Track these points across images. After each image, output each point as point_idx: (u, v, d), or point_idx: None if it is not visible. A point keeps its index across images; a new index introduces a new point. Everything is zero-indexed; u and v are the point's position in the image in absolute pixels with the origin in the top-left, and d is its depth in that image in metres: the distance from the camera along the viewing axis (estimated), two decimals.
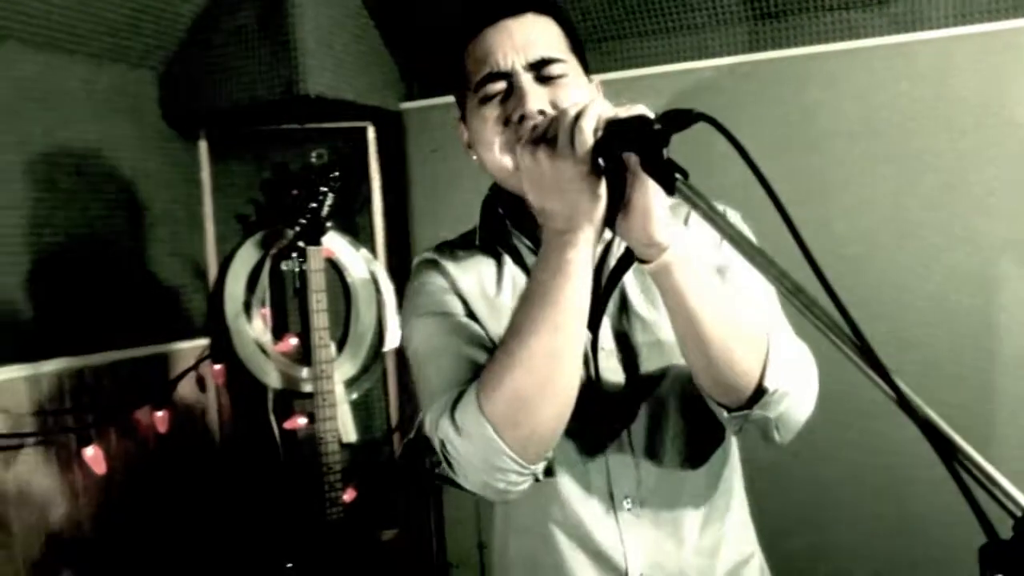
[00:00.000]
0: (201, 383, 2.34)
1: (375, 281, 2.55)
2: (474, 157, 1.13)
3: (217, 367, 2.33)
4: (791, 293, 0.84)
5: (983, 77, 1.97)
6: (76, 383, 2.01)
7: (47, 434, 1.90)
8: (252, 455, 2.41)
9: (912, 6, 2.02)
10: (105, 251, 2.12)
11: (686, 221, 1.19)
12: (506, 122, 1.05)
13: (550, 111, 1.02)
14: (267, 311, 2.44)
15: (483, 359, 1.04)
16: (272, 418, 2.38)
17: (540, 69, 1.05)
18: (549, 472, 1.10)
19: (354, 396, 2.51)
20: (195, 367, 2.28)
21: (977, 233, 1.98)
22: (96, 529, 2.02)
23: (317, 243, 2.28)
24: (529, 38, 1.06)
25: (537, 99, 1.03)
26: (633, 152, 0.97)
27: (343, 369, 2.47)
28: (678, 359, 1.13)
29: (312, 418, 2.25)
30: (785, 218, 0.85)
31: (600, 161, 0.95)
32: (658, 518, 1.14)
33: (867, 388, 0.81)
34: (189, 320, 2.36)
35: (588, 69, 1.13)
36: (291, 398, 2.45)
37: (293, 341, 2.45)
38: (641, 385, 1.14)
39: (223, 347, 2.37)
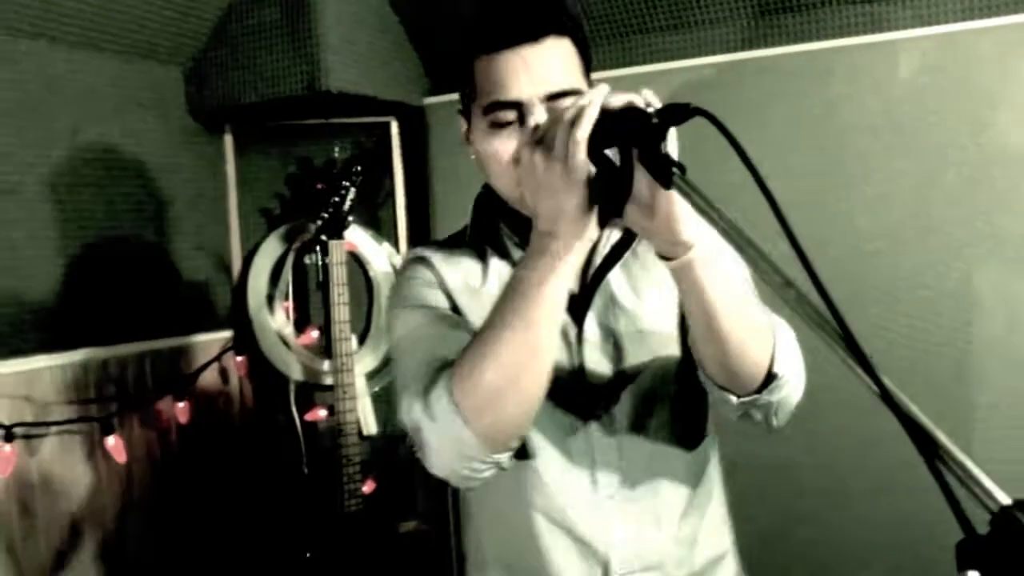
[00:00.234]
0: (224, 375, 2.38)
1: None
2: (472, 155, 1.16)
3: (240, 359, 2.37)
4: (782, 287, 0.85)
5: (1007, 70, 1.94)
6: (100, 373, 2.05)
7: (71, 423, 1.95)
8: (273, 446, 2.44)
9: None
10: (131, 244, 2.17)
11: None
12: (518, 160, 1.03)
13: None
14: (290, 304, 2.47)
15: (460, 351, 1.04)
16: (293, 410, 2.41)
17: (556, 102, 1.05)
18: (523, 455, 1.13)
19: (375, 389, 2.53)
20: (218, 358, 2.32)
21: (1000, 228, 1.95)
22: (118, 517, 2.06)
23: (339, 237, 2.31)
24: (546, 69, 1.06)
25: None
26: (631, 146, 0.98)
27: (364, 362, 2.49)
28: (662, 350, 1.17)
29: (333, 410, 2.28)
30: (777, 214, 0.86)
31: (591, 165, 0.95)
32: (639, 506, 1.16)
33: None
34: (213, 312, 2.40)
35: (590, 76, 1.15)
36: (312, 390, 2.48)
37: (315, 334, 2.48)
38: (625, 375, 1.16)
39: (246, 339, 2.41)
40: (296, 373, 2.44)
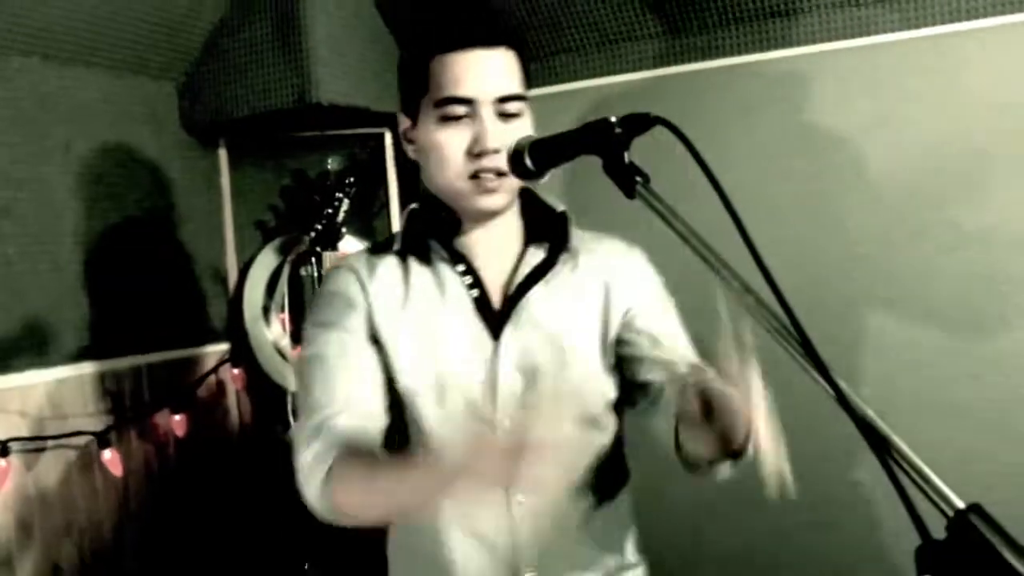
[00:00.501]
0: (221, 387, 2.40)
1: None
2: (411, 152, 1.27)
3: (236, 371, 2.38)
4: (740, 293, 0.85)
5: (994, 72, 1.94)
6: (97, 387, 2.07)
7: (67, 437, 1.96)
8: (271, 457, 2.45)
9: (922, 2, 1.99)
10: (126, 258, 2.18)
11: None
12: (467, 152, 1.18)
13: (503, 150, 1.15)
14: (286, 316, 2.48)
15: (358, 390, 1.20)
16: (291, 421, 2.42)
17: (503, 104, 1.18)
18: None
19: None
20: (215, 371, 2.34)
21: (990, 231, 1.95)
22: (115, 530, 2.08)
23: (334, 248, 2.32)
24: (498, 73, 1.19)
25: (496, 137, 1.16)
26: (596, 156, 0.99)
27: None
28: (578, 366, 1.26)
29: None
30: (735, 219, 0.86)
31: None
32: (545, 512, 1.22)
33: None
34: (209, 325, 2.41)
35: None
36: None
37: None
38: (535, 390, 1.23)
39: (242, 351, 2.42)
40: (293, 384, 2.45)
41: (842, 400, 0.75)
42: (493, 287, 1.28)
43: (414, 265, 1.28)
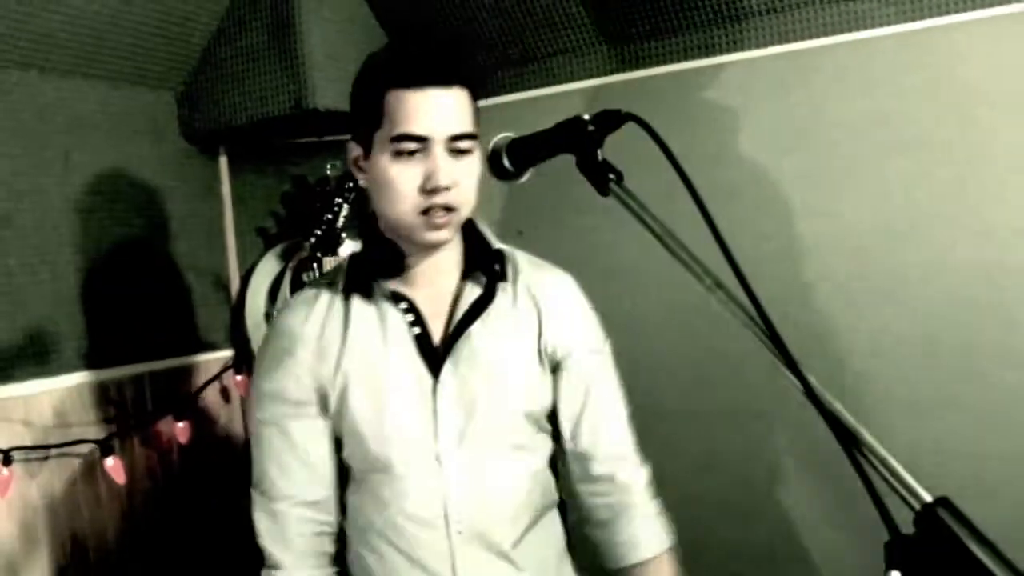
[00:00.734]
0: (224, 394, 2.41)
1: None
2: (361, 180, 1.33)
3: (239, 378, 2.39)
4: (711, 289, 0.85)
5: (993, 63, 1.92)
6: (99, 396, 2.08)
7: (70, 445, 1.98)
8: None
9: None
10: (127, 267, 2.20)
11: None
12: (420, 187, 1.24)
13: (454, 187, 1.23)
14: None
15: (308, 478, 1.35)
16: None
17: (455, 142, 1.24)
18: (384, 496, 1.33)
19: None
20: (218, 378, 2.35)
21: (991, 224, 1.93)
22: (119, 538, 2.09)
23: (334, 253, 2.33)
24: (452, 112, 1.24)
25: (447, 175, 1.22)
26: (570, 154, 1.00)
27: None
28: (514, 396, 1.35)
29: None
30: (706, 218, 0.86)
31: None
32: (484, 539, 1.32)
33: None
34: (212, 332, 2.42)
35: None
36: None
37: None
38: (474, 423, 1.32)
39: (245, 358, 2.43)
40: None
41: (810, 394, 0.74)
42: (434, 323, 1.35)
43: (356, 303, 1.35)
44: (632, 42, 2.27)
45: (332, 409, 1.34)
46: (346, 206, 2.34)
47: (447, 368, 1.32)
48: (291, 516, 1.35)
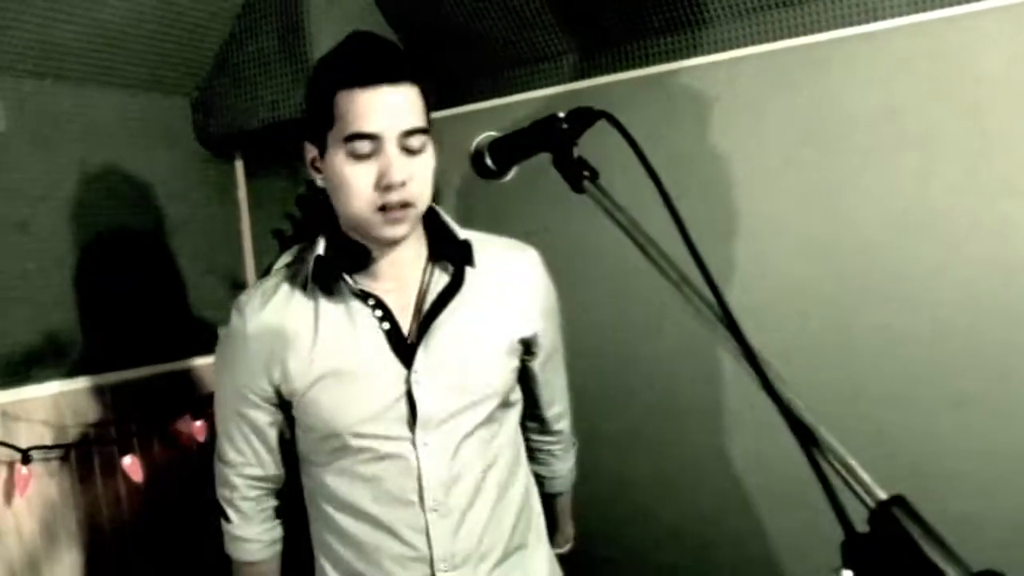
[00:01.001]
0: None
1: None
2: (319, 180, 1.35)
3: None
4: (677, 284, 0.84)
5: (1008, 53, 1.88)
6: (118, 396, 2.12)
7: (89, 445, 2.02)
8: (290, 460, 2.48)
9: None
10: (145, 270, 2.24)
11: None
12: (375, 185, 1.27)
13: (408, 182, 1.27)
14: None
15: (254, 454, 1.51)
16: None
17: (407, 138, 1.27)
18: (362, 473, 1.41)
19: None
20: None
21: (1005, 217, 1.89)
22: (139, 534, 2.13)
23: None
24: (403, 109, 1.26)
25: (401, 171, 1.25)
26: (544, 152, 1.00)
27: None
28: (487, 380, 1.42)
29: None
30: (673, 213, 0.85)
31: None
32: (456, 514, 1.40)
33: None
34: None
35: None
36: None
37: None
38: (448, 406, 1.38)
39: None
40: None
41: (769, 389, 0.73)
42: (402, 315, 1.40)
43: (324, 301, 1.38)
44: (644, 38, 2.26)
45: (298, 404, 1.40)
46: None
47: (419, 358, 1.37)
48: (238, 485, 1.54)
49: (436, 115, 2.49)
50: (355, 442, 1.38)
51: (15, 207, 1.97)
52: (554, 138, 0.97)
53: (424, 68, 1.32)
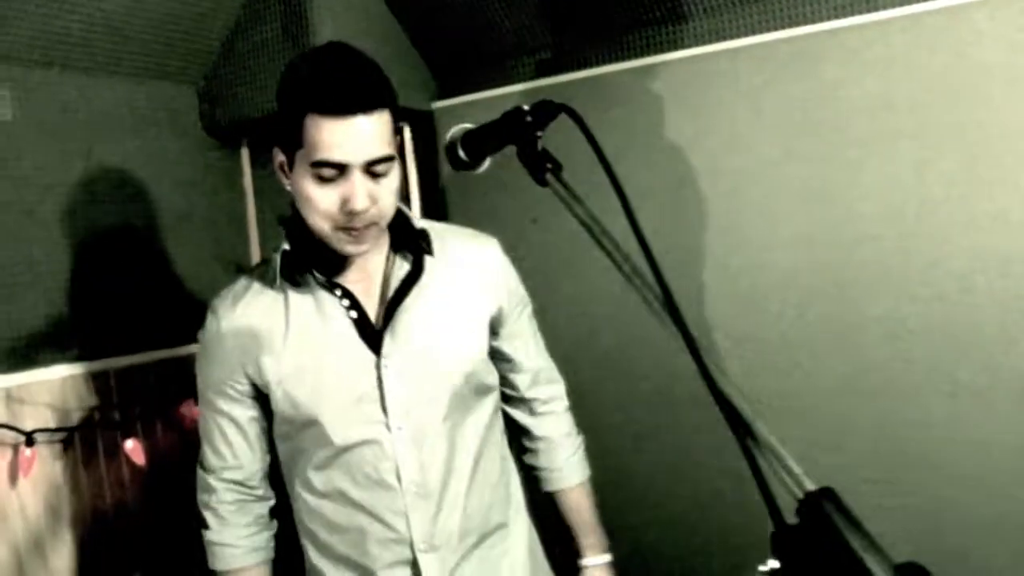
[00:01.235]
0: None
1: None
2: (287, 185, 1.39)
3: None
4: (629, 276, 0.85)
5: (1006, 43, 1.87)
6: (122, 381, 2.16)
7: (93, 429, 2.06)
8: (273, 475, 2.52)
9: None
10: (151, 256, 2.28)
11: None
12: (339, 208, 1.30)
13: (372, 204, 1.29)
14: None
15: (237, 459, 1.54)
16: None
17: (373, 166, 1.28)
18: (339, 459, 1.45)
19: None
20: None
21: (1002, 208, 1.88)
22: (143, 516, 2.17)
23: None
24: (369, 139, 1.27)
25: (364, 199, 1.28)
26: (510, 144, 1.01)
27: None
28: (455, 363, 1.46)
29: None
30: (626, 209, 0.86)
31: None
32: (435, 495, 1.44)
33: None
34: None
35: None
36: None
37: None
38: (421, 390, 1.43)
39: None
40: None
41: (709, 382, 0.74)
42: (370, 304, 1.44)
43: (293, 295, 1.43)
44: (644, 27, 2.26)
45: (274, 396, 1.44)
46: None
47: (386, 343, 1.41)
48: (219, 488, 1.56)
49: (439, 104, 2.55)
50: (331, 429, 1.42)
51: (22, 195, 2.00)
52: (518, 131, 0.98)
53: (392, 90, 1.33)
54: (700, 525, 2.24)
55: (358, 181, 1.27)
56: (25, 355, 1.99)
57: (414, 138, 2.63)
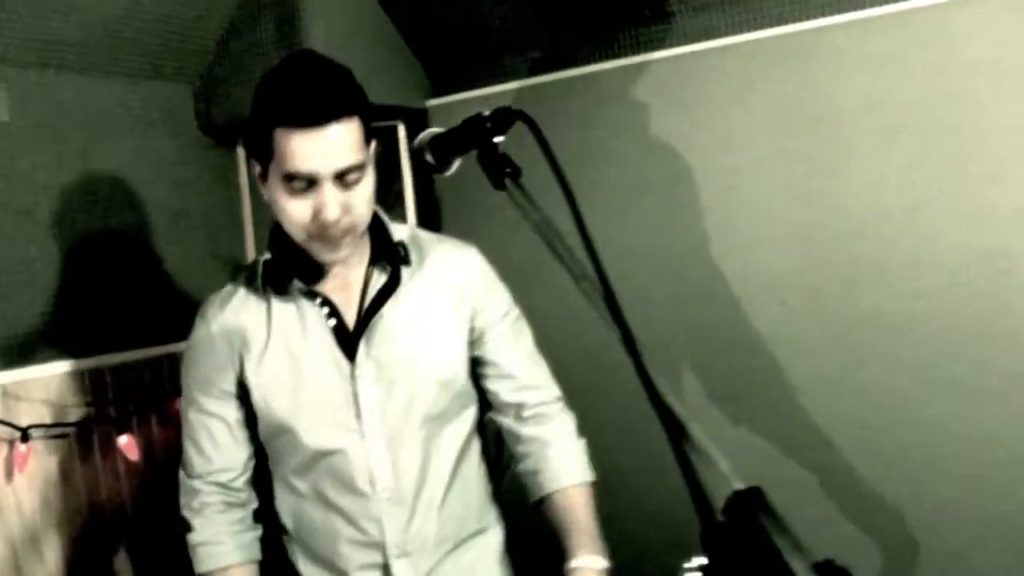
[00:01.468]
0: None
1: None
2: (264, 193, 1.40)
3: None
4: (577, 279, 0.87)
5: (994, 41, 1.87)
6: (118, 378, 2.20)
7: (89, 424, 2.09)
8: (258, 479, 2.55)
9: None
10: (147, 254, 2.31)
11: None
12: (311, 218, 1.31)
13: (344, 214, 1.30)
14: None
15: (222, 461, 1.54)
16: None
17: (342, 176, 1.30)
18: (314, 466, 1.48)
19: None
20: None
21: (990, 204, 1.89)
22: (138, 511, 2.21)
23: None
24: (337, 149, 1.28)
25: (335, 209, 1.29)
26: (472, 149, 1.03)
27: None
28: (431, 371, 1.46)
29: None
30: (577, 218, 0.88)
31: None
32: (408, 501, 1.45)
33: None
34: None
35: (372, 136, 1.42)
36: None
37: None
38: (394, 398, 1.44)
39: None
40: None
41: (647, 383, 0.76)
42: (349, 313, 1.46)
43: (276, 302, 1.45)
44: (635, 26, 2.27)
45: (254, 399, 1.47)
46: None
47: (361, 351, 1.43)
48: (203, 491, 1.56)
49: (434, 102, 2.58)
50: (305, 436, 1.45)
51: (19, 195, 2.03)
52: (478, 136, 1.00)
53: (362, 96, 1.36)
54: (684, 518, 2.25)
55: (328, 191, 1.28)
56: (21, 352, 2.02)
57: (410, 136, 2.65)
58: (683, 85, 2.21)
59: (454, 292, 1.51)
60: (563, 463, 1.55)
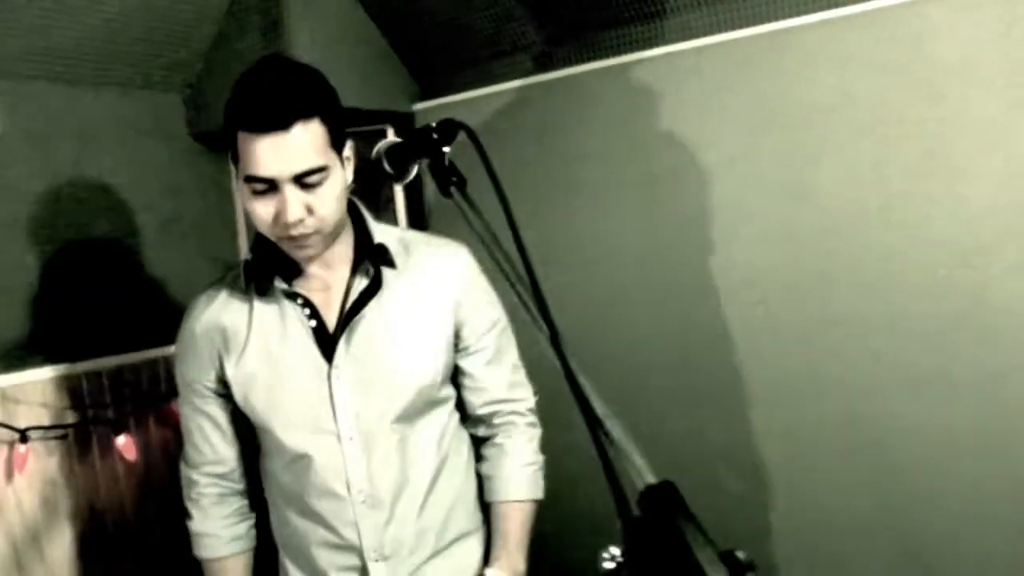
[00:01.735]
0: None
1: None
2: (240, 198, 1.35)
3: None
4: (512, 283, 0.92)
5: (962, 38, 1.89)
6: (114, 380, 2.25)
7: (87, 426, 2.15)
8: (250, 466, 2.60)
9: None
10: (142, 261, 2.36)
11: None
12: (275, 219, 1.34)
13: (307, 215, 1.32)
14: None
15: (214, 454, 1.61)
16: None
17: (302, 179, 1.30)
18: (294, 470, 1.51)
19: None
20: None
21: (962, 201, 1.91)
22: (137, 511, 2.27)
23: None
24: (297, 152, 1.28)
25: (296, 211, 1.31)
26: (423, 158, 1.08)
27: None
28: (409, 375, 1.47)
29: None
30: (512, 226, 0.92)
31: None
32: (386, 505, 1.47)
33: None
34: None
35: (345, 140, 1.44)
36: None
37: None
38: (371, 401, 1.45)
39: None
40: None
41: (572, 381, 0.80)
42: (328, 314, 1.47)
43: (258, 302, 1.48)
44: (614, 27, 2.30)
45: (238, 398, 1.50)
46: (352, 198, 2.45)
47: (339, 353, 1.45)
48: (200, 482, 1.63)
49: (419, 106, 2.62)
50: (283, 436, 1.48)
51: (11, 204, 2.09)
52: (427, 146, 1.05)
53: (329, 98, 1.35)
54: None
55: (289, 194, 1.29)
56: (19, 356, 2.08)
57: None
58: (662, 85, 2.24)
59: (438, 297, 1.50)
60: (513, 477, 1.59)
